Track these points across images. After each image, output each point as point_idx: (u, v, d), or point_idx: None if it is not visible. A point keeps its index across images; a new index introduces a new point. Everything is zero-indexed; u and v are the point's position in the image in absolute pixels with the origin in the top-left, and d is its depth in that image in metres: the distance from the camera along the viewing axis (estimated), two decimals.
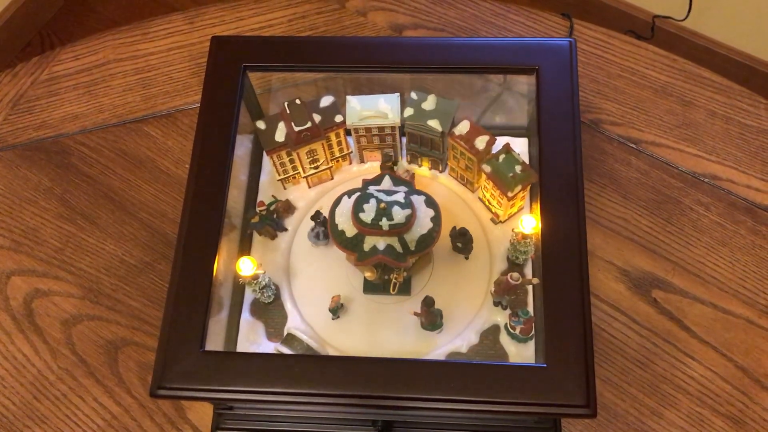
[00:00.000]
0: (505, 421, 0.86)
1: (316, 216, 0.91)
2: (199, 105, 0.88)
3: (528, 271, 0.91)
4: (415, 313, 0.85)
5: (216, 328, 0.83)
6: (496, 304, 0.88)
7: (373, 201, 0.80)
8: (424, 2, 1.19)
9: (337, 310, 0.87)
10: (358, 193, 0.82)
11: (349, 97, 0.92)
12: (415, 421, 0.87)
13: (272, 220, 0.93)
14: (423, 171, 0.98)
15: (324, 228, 0.91)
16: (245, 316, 0.91)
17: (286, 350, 0.86)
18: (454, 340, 0.86)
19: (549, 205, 0.80)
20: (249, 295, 0.92)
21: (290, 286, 0.92)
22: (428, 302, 0.83)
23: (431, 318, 0.85)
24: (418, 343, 0.86)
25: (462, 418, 0.86)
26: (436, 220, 0.82)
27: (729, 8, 1.69)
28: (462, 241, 0.88)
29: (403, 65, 0.90)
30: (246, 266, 0.85)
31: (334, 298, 0.86)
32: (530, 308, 0.87)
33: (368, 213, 0.79)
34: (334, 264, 0.91)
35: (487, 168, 0.87)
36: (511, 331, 0.85)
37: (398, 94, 0.92)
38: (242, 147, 0.95)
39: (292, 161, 0.94)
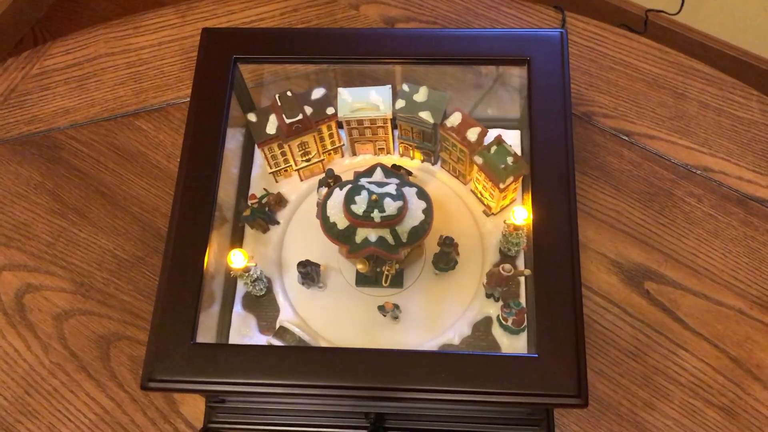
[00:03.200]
0: (497, 412, 0.86)
1: (302, 266, 0.88)
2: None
3: (520, 262, 0.91)
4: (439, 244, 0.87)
5: (208, 321, 0.82)
6: (488, 295, 0.88)
7: (364, 193, 0.80)
8: None
9: (389, 311, 0.86)
10: (349, 185, 0.82)
11: (340, 89, 0.92)
12: (407, 412, 0.87)
13: (264, 213, 0.93)
14: (415, 163, 0.98)
15: (308, 275, 0.88)
16: (237, 309, 0.90)
17: (278, 343, 0.86)
18: (446, 332, 0.86)
19: (540, 196, 0.80)
20: (241, 289, 0.92)
21: (282, 279, 0.92)
22: (447, 241, 0.85)
23: (445, 258, 0.86)
24: (410, 335, 0.86)
25: (454, 409, 0.86)
26: (428, 212, 0.82)
27: (722, 2, 1.69)
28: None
29: (394, 56, 0.90)
30: (237, 259, 0.84)
31: (387, 304, 0.85)
32: (522, 299, 0.87)
33: (360, 205, 0.79)
34: (326, 256, 0.91)
35: (478, 159, 0.87)
36: (503, 322, 0.85)
37: (390, 86, 0.92)
38: (233, 140, 0.94)
39: (283, 154, 0.93)
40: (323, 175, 0.97)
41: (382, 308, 0.86)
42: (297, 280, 0.90)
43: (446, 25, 1.16)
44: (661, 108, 1.08)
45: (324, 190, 0.86)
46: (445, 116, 0.90)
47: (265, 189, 0.95)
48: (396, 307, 0.86)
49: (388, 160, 0.98)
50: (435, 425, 0.88)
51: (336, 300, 0.89)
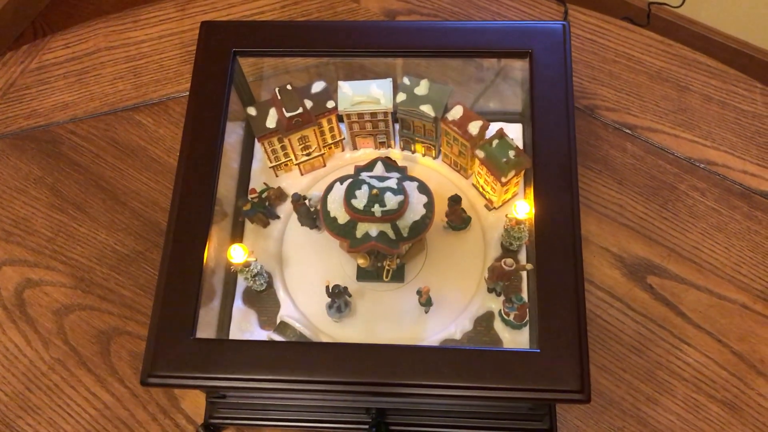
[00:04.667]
0: (499, 407, 0.86)
1: (335, 289, 0.84)
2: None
3: (522, 257, 0.90)
4: (447, 215, 0.88)
5: (208, 317, 0.82)
6: (490, 290, 0.88)
7: (365, 187, 0.79)
8: None
9: (429, 301, 0.85)
10: (350, 180, 0.81)
11: (341, 83, 0.91)
12: (408, 407, 0.87)
13: (264, 208, 0.92)
14: (416, 157, 0.97)
15: (343, 301, 0.85)
16: (237, 304, 0.90)
17: (279, 338, 0.86)
18: (447, 327, 0.86)
19: (543, 190, 0.79)
20: (241, 284, 0.91)
21: (283, 274, 0.91)
22: (455, 199, 0.86)
23: (458, 219, 0.87)
24: (411, 330, 0.86)
25: (456, 404, 0.86)
26: (429, 206, 0.81)
27: None
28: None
29: (395, 49, 0.89)
30: (237, 253, 0.84)
31: (424, 288, 0.84)
32: (524, 294, 0.87)
33: (360, 199, 0.79)
34: (327, 251, 0.91)
35: (480, 153, 0.86)
36: (505, 317, 0.85)
37: (390, 79, 0.91)
38: (233, 134, 0.94)
39: (283, 148, 0.93)
40: (323, 167, 0.97)
41: (419, 292, 0.84)
42: (328, 312, 0.86)
43: (447, 18, 1.15)
44: (664, 101, 1.07)
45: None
46: (447, 110, 0.89)
47: (265, 183, 0.94)
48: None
49: (389, 154, 0.97)
50: (436, 420, 0.87)
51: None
